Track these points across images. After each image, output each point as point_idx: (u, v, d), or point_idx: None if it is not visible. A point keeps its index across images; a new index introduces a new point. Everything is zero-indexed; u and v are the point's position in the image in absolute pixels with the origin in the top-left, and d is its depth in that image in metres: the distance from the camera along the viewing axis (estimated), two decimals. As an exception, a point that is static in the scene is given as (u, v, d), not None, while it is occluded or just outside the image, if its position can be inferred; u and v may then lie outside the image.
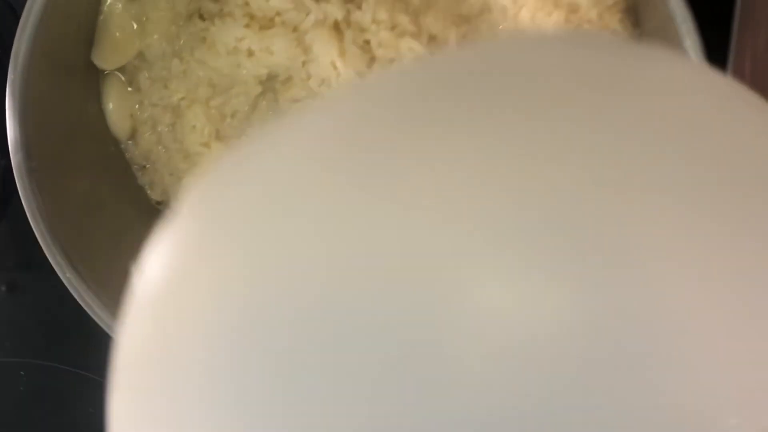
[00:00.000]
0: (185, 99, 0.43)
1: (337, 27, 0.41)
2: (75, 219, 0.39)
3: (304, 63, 0.41)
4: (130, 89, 0.44)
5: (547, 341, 0.16)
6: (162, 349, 0.19)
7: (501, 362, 0.16)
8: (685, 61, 0.22)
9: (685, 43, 0.35)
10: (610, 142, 0.18)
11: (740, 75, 0.42)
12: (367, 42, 0.41)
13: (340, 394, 0.17)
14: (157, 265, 0.20)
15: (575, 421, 0.16)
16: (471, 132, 0.18)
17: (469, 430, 0.16)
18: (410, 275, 0.17)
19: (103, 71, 0.44)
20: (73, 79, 0.42)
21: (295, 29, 0.41)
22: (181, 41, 0.43)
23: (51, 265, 0.37)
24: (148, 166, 0.45)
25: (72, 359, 0.49)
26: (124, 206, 0.44)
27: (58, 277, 0.38)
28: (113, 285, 0.35)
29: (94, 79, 0.44)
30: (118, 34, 0.43)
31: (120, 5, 0.43)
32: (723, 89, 0.21)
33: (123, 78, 0.44)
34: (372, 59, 0.41)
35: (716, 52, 0.37)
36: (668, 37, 0.36)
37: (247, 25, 0.41)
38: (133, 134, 0.45)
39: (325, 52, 0.40)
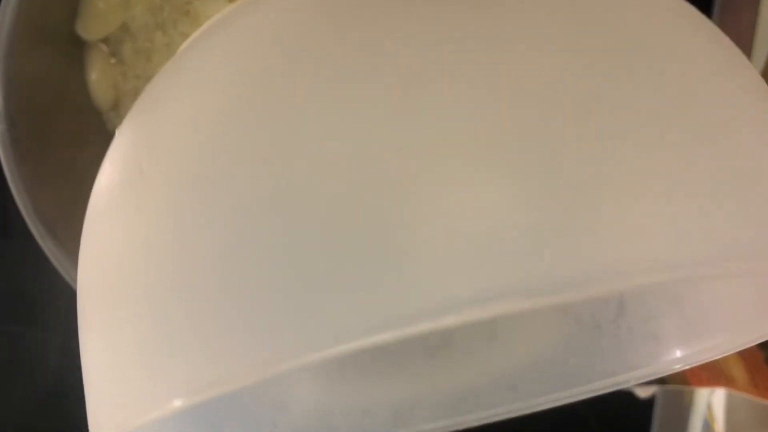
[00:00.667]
0: (168, 71, 0.43)
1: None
2: (57, 189, 0.40)
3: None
4: (113, 60, 0.44)
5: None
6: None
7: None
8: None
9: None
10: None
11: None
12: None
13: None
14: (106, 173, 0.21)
15: None
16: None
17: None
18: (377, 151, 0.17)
19: (87, 42, 0.44)
20: (57, 49, 0.42)
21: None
22: (165, 13, 0.43)
23: (32, 234, 0.38)
24: (130, 137, 0.45)
25: (51, 327, 0.50)
26: (107, 177, 0.44)
27: (39, 246, 0.38)
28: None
29: (78, 50, 0.44)
30: (101, 4, 0.43)
31: (104, -24, 0.43)
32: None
33: (106, 49, 0.44)
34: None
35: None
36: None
37: (230, -1, 0.41)
38: (115, 105, 0.45)
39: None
